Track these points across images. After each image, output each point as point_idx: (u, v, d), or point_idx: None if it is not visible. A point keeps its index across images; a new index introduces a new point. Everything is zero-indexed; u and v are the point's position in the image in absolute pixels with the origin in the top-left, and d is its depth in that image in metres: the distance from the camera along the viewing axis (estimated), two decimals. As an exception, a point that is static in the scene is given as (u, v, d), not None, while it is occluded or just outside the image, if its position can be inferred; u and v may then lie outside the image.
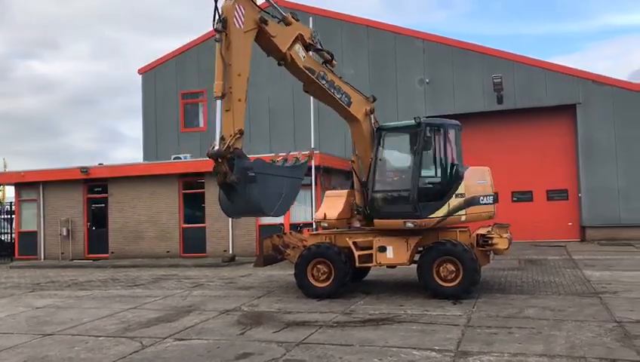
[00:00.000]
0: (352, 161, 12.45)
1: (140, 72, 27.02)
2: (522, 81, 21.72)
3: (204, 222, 20.81)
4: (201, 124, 25.76)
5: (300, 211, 19.91)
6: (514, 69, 21.81)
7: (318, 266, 11.67)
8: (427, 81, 22.79)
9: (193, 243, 20.71)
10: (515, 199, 22.43)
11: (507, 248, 11.33)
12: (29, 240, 22.67)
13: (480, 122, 22.48)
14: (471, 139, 22.30)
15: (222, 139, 9.48)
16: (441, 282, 11.06)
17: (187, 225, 21.10)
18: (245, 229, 20.05)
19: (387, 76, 23.18)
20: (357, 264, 11.57)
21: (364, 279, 13.72)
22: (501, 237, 11.26)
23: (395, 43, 23.50)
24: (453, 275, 10.99)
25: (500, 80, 20.92)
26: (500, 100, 21.50)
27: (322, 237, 12.40)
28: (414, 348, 7.72)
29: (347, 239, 11.78)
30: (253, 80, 24.75)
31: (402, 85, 22.84)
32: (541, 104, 21.64)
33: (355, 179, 12.40)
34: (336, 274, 11.53)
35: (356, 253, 11.57)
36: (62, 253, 22.16)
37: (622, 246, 19.29)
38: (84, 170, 21.59)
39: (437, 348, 7.71)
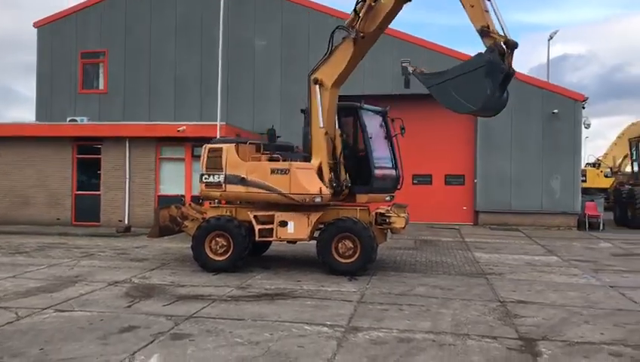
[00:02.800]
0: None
1: (35, 25, 24.99)
2: (429, 67, 22.16)
3: (98, 190, 19.78)
4: (101, 86, 24.33)
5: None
6: (422, 55, 22.23)
7: (217, 239, 11.42)
8: (338, 60, 22.74)
9: (86, 212, 19.65)
10: (415, 182, 23.02)
11: (404, 227, 11.61)
12: None
13: (388, 104, 22.77)
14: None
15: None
16: (339, 258, 11.15)
17: (80, 192, 19.95)
18: (142, 199, 19.29)
19: (299, 52, 22.95)
20: (257, 238, 11.41)
21: (264, 254, 13.60)
22: (398, 216, 11.50)
23: (308, 19, 23.29)
24: (351, 252, 11.12)
25: (408, 64, 21.24)
26: (407, 84, 21.78)
27: (223, 210, 12.12)
28: (306, 323, 7.70)
29: (248, 213, 11.57)
30: (158, 48, 23.78)
31: (314, 63, 22.63)
32: (446, 91, 22.26)
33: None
34: (235, 247, 11.33)
35: (257, 227, 11.40)
36: (-63, 216, 20.32)
37: (510, 231, 20.41)
38: (-33, 127, 19.84)
39: (329, 323, 7.73)
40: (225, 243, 11.38)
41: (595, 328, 7.76)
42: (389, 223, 11.48)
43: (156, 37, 23.73)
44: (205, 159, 12.05)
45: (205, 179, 11.98)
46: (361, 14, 10.99)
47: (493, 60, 9.48)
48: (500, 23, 9.67)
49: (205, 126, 18.83)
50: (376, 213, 11.62)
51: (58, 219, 19.77)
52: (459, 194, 22.82)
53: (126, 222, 19.23)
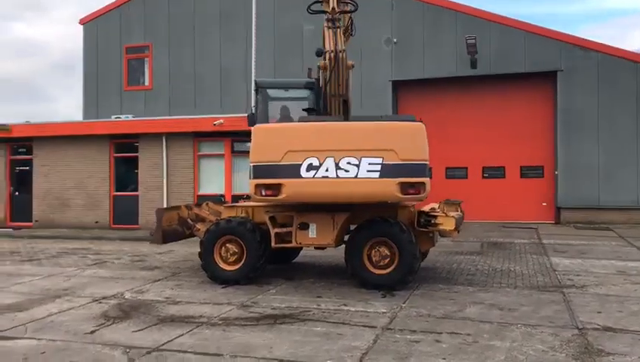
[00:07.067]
0: None
1: (81, 22, 24.37)
2: (499, 44, 19.50)
3: (137, 190, 18.60)
4: (146, 83, 23.30)
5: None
6: (490, 30, 19.57)
7: (228, 245, 9.61)
8: (395, 40, 20.48)
9: (124, 214, 18.55)
10: (485, 175, 20.38)
11: (454, 229, 9.22)
12: (-53, 204, 20.36)
13: (450, 88, 20.35)
14: (439, 107, 20.24)
15: None
16: (372, 269, 9.06)
17: (118, 193, 18.89)
18: (181, 199, 17.84)
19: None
20: (273, 244, 9.49)
21: (294, 261, 11.74)
22: (447, 215, 9.18)
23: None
24: (387, 261, 8.99)
25: (474, 41, 18.69)
26: (473, 64, 19.30)
27: (239, 210, 10.29)
28: (302, 362, 5.70)
29: (264, 213, 9.67)
30: (202, 38, 22.37)
31: (367, 44, 20.51)
32: (519, 70, 19.44)
33: None
34: (248, 255, 9.48)
35: (273, 231, 9.48)
36: (-19, 220, 19.93)
37: (599, 231, 17.37)
38: (5, 127, 19.24)
39: (331, 362, 5.70)
40: (237, 251, 9.56)
41: None
42: (435, 225, 9.20)
43: (200, 26, 22.37)
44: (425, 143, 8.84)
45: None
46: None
47: None
48: None
49: (245, 118, 17.14)
50: (418, 213, 9.37)
51: (97, 222, 18.79)
52: (537, 188, 19.88)
53: (164, 224, 17.90)
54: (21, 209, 19.69)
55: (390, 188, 8.49)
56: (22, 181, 20.03)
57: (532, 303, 8.17)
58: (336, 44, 9.78)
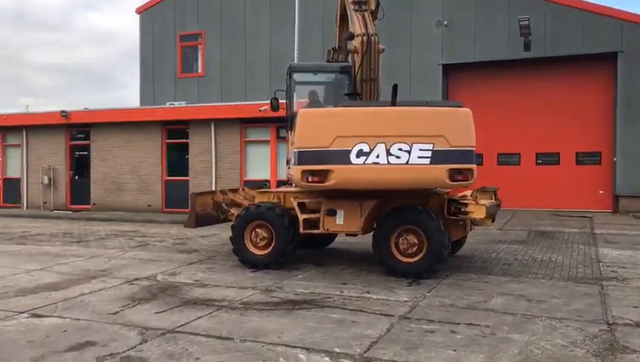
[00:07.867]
0: None
1: (137, 11, 25.07)
2: (554, 25, 18.64)
3: (187, 175, 19.08)
4: (199, 70, 23.75)
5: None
6: (545, 10, 18.73)
7: (257, 230, 9.73)
8: (445, 23, 19.94)
9: (175, 198, 19.07)
10: (539, 161, 19.65)
11: (486, 217, 8.92)
12: (13, 187, 21.57)
13: (503, 72, 19.68)
14: (491, 91, 19.63)
15: None
16: (400, 257, 8.93)
17: (170, 178, 19.43)
18: (229, 185, 18.16)
19: (399, 16, 20.45)
20: (301, 229, 9.50)
21: (329, 246, 11.76)
22: (477, 203, 8.90)
23: (412, -19, 20.70)
24: (415, 249, 8.85)
25: (527, 22, 17.95)
26: (527, 47, 18.54)
27: (271, 195, 10.38)
28: (309, 349, 5.71)
29: (292, 199, 9.70)
30: (253, 24, 22.50)
31: (416, 27, 20.12)
32: (575, 52, 18.56)
33: None
34: (277, 240, 9.56)
35: (301, 217, 9.48)
36: (44, 203, 20.96)
37: (660, 221, 16.47)
38: (65, 113, 20.11)
39: (338, 350, 5.67)
40: (266, 235, 9.66)
41: None
42: (466, 213, 8.95)
43: (251, 13, 22.55)
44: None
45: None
46: None
47: None
48: None
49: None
50: (448, 200, 9.14)
51: (149, 205, 19.42)
52: (594, 175, 19.02)
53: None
54: (80, 192, 20.62)
55: (441, 174, 8.36)
56: (81, 165, 20.95)
57: (564, 295, 7.85)
58: (367, 28, 9.63)
